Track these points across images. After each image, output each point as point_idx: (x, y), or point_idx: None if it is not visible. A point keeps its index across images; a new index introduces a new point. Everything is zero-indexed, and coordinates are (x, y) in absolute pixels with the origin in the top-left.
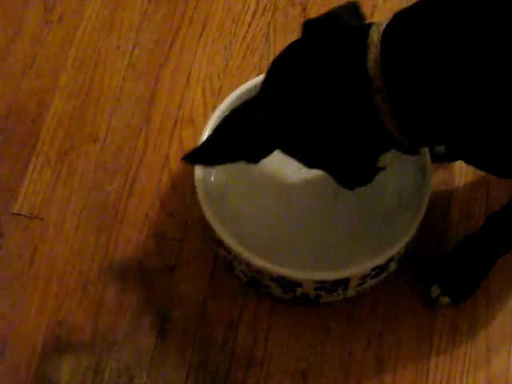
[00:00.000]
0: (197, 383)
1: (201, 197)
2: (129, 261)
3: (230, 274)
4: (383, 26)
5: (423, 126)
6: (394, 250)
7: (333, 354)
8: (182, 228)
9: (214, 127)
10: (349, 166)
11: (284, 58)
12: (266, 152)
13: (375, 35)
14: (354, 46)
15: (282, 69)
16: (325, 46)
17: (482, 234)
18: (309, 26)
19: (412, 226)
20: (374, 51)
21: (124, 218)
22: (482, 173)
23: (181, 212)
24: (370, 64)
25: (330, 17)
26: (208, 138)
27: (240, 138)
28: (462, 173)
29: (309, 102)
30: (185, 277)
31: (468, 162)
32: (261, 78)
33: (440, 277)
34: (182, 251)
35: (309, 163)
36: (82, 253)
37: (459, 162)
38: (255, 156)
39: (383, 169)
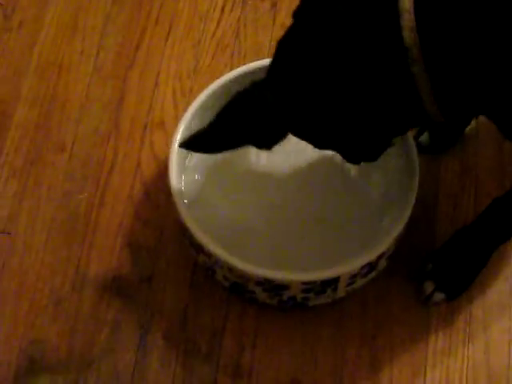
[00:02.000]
0: None
1: (177, 201)
2: (103, 273)
3: (210, 280)
4: None
5: (463, 94)
6: (384, 246)
7: (324, 359)
8: (158, 235)
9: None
10: (369, 143)
11: (296, 28)
12: (280, 136)
13: (406, 1)
14: (384, 14)
15: (293, 43)
16: (347, 15)
17: (480, 223)
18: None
19: (400, 222)
20: (408, 18)
21: (96, 229)
22: (469, 164)
23: (156, 219)
24: (406, 33)
25: None
26: (211, 123)
27: (251, 123)
28: (448, 165)
29: (333, 79)
30: (163, 286)
31: (507, 134)
32: (233, 73)
33: (433, 272)
34: (159, 260)
35: (323, 144)
36: (54, 267)
37: (445, 153)
38: (268, 142)
39: (393, 144)
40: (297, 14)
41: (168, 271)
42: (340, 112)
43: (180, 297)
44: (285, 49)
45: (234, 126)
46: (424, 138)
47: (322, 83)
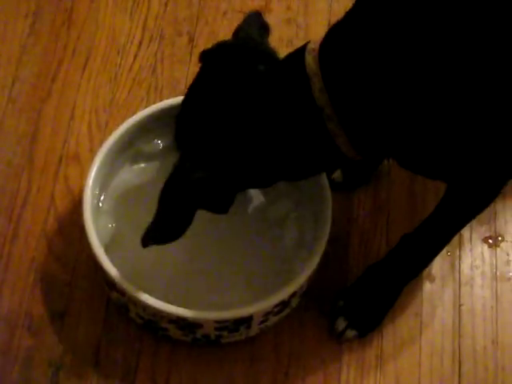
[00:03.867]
0: None
1: (91, 240)
2: (15, 308)
3: (124, 317)
4: (316, 50)
5: (377, 141)
6: (297, 284)
7: None
8: (71, 271)
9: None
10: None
11: (200, 96)
12: (229, 201)
13: (312, 63)
14: (295, 79)
15: (206, 113)
16: (260, 79)
17: (390, 259)
18: (222, 50)
19: (313, 262)
20: (316, 81)
21: (9, 263)
22: (381, 201)
23: (69, 254)
24: (317, 94)
25: (242, 39)
26: (156, 218)
27: (190, 201)
28: (361, 202)
29: (257, 143)
30: (76, 322)
31: (418, 172)
32: (149, 110)
33: (345, 309)
34: (72, 296)
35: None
36: None
37: (357, 190)
38: (221, 207)
39: None
40: (205, 57)
41: (81, 307)
42: (259, 166)
43: (93, 333)
44: (189, 106)
45: (178, 211)
46: (337, 175)
47: (251, 149)
